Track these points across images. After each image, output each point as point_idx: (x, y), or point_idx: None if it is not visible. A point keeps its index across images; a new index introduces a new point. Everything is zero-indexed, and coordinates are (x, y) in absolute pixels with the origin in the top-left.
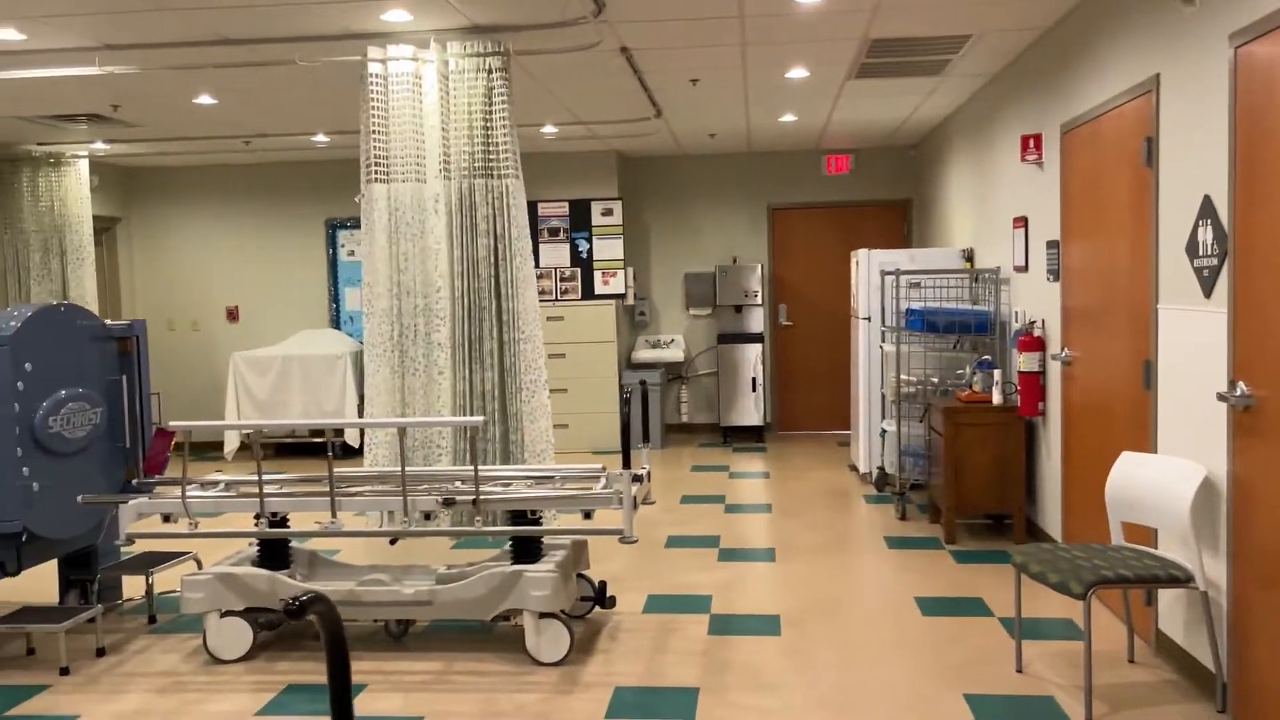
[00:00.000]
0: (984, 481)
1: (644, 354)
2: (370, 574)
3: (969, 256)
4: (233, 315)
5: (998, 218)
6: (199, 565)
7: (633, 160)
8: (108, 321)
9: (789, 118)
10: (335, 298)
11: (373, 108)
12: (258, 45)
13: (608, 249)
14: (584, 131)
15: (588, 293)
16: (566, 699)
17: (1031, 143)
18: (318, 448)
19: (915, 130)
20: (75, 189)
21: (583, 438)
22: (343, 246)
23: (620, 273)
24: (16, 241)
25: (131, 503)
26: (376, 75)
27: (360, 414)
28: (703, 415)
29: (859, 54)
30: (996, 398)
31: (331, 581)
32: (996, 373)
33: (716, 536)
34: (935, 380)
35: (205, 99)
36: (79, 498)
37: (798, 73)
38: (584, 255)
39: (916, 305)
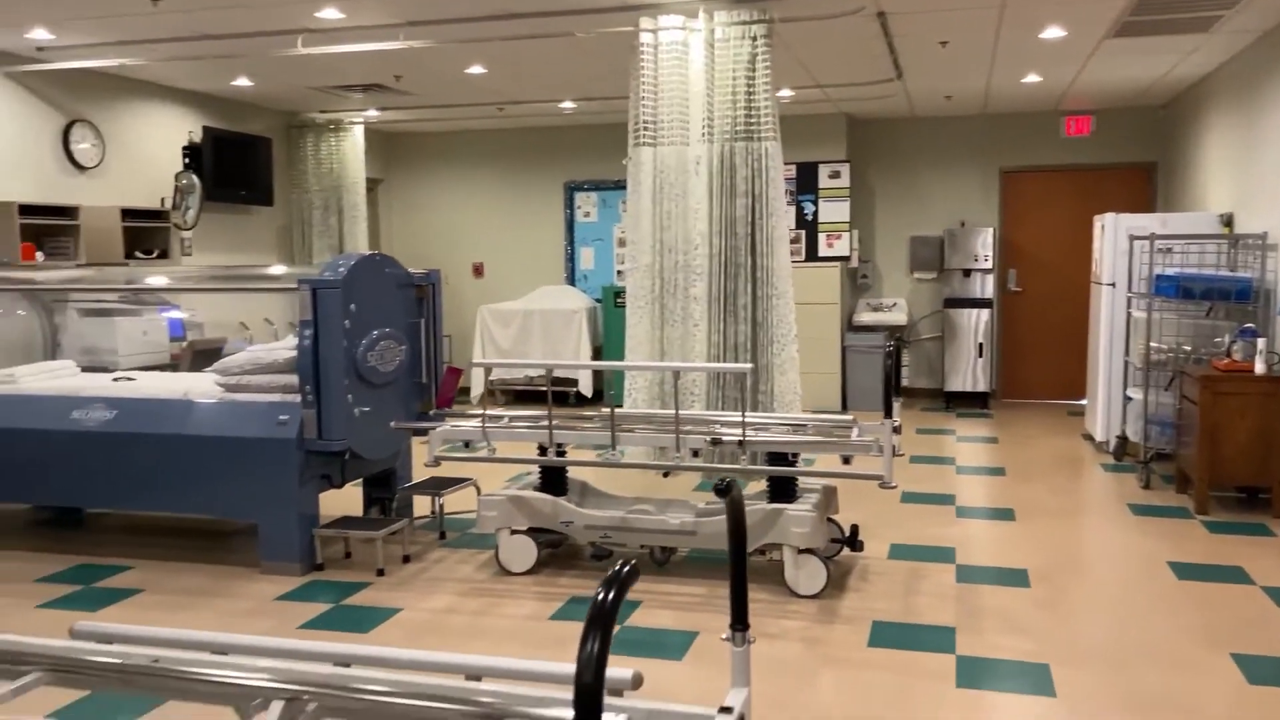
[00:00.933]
0: (1242, 453)
1: (865, 317)
2: (636, 505)
3: (1227, 221)
4: (478, 271)
5: (1266, 181)
6: (478, 490)
7: (861, 123)
8: (410, 270)
9: (1032, 79)
10: (571, 257)
11: (643, 76)
12: (541, 19)
13: (833, 211)
14: (819, 95)
15: (812, 255)
16: (828, 628)
17: None
18: (544, 395)
19: (1166, 90)
20: (352, 153)
21: (804, 397)
22: (579, 208)
23: (845, 235)
24: (302, 200)
25: (440, 429)
26: (647, 45)
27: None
28: (923, 380)
29: (1124, 12)
30: (1259, 367)
31: (604, 509)
32: (1261, 342)
33: (951, 495)
34: (1187, 348)
35: (476, 69)
36: (391, 423)
37: (1053, 33)
38: (809, 218)
39: (1170, 271)
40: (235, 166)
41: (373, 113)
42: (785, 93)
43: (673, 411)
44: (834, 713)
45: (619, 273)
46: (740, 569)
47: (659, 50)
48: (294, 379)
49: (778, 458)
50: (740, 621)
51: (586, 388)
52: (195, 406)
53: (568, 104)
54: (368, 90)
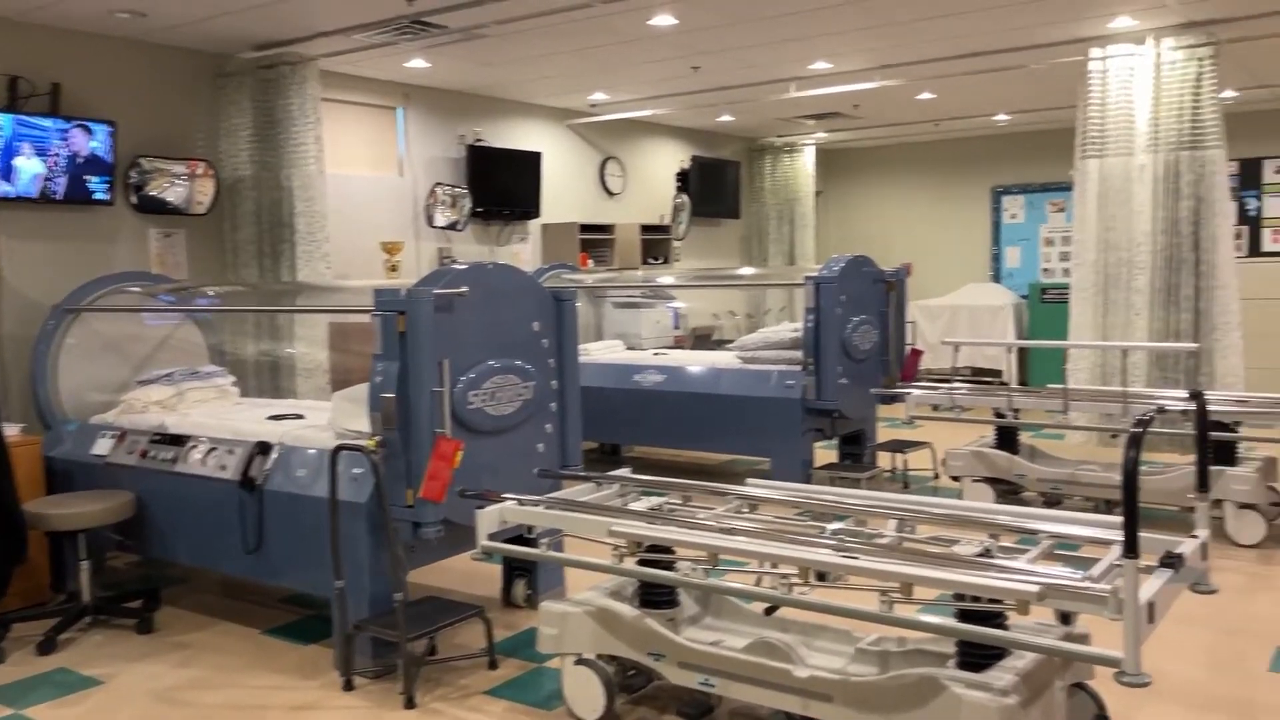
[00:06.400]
0: None
1: None
2: (1083, 464)
3: None
4: (908, 270)
5: None
6: (932, 452)
7: None
8: (883, 268)
9: None
10: (997, 256)
11: (1090, 97)
12: (997, 55)
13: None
14: (1266, 94)
15: (1255, 250)
16: (1266, 568)
17: None
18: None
19: None
20: (803, 170)
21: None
22: (1006, 210)
23: None
24: (759, 213)
25: (917, 393)
26: (1095, 71)
27: (1020, 357)
28: None
29: None
30: None
31: (1049, 467)
32: None
33: None
34: None
35: (926, 95)
36: (871, 390)
37: None
38: (1252, 214)
39: None
40: (712, 187)
41: (821, 135)
42: (1228, 94)
43: (1115, 388)
44: (1271, 616)
45: (1044, 270)
46: (1204, 456)
47: (1107, 75)
48: (795, 353)
49: (1219, 426)
50: (1203, 486)
51: (1012, 378)
52: (722, 373)
53: (1001, 116)
54: (822, 118)
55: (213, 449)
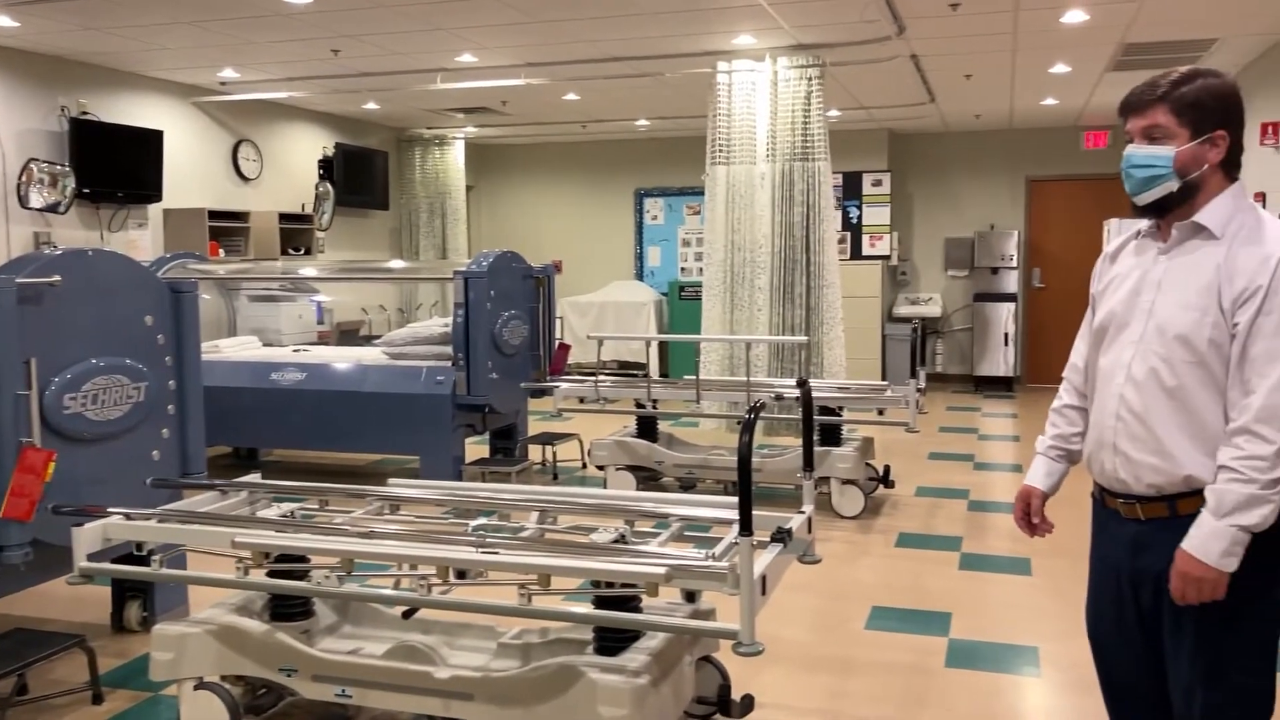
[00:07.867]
0: None
1: (904, 309)
2: (714, 449)
3: None
4: (558, 268)
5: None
6: (581, 443)
7: (901, 136)
8: (531, 264)
9: (1050, 101)
10: (640, 255)
11: (718, 108)
12: (635, 61)
13: (875, 215)
14: (863, 115)
15: (856, 254)
16: (864, 536)
17: (1270, 129)
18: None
19: None
20: (454, 164)
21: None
22: (648, 212)
23: (886, 236)
24: (410, 205)
25: (565, 386)
26: (722, 84)
27: (661, 350)
28: (955, 367)
29: (1115, 54)
30: None
31: (684, 453)
32: None
33: (972, 454)
34: None
35: (571, 96)
36: (521, 384)
37: (1060, 69)
38: (854, 221)
39: None
40: (358, 177)
41: (471, 129)
42: (834, 113)
43: (741, 378)
44: (868, 580)
45: (683, 269)
46: (809, 438)
47: (732, 88)
48: (446, 349)
49: (826, 411)
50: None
51: (654, 370)
52: (369, 370)
53: (642, 121)
54: (472, 112)
55: None
